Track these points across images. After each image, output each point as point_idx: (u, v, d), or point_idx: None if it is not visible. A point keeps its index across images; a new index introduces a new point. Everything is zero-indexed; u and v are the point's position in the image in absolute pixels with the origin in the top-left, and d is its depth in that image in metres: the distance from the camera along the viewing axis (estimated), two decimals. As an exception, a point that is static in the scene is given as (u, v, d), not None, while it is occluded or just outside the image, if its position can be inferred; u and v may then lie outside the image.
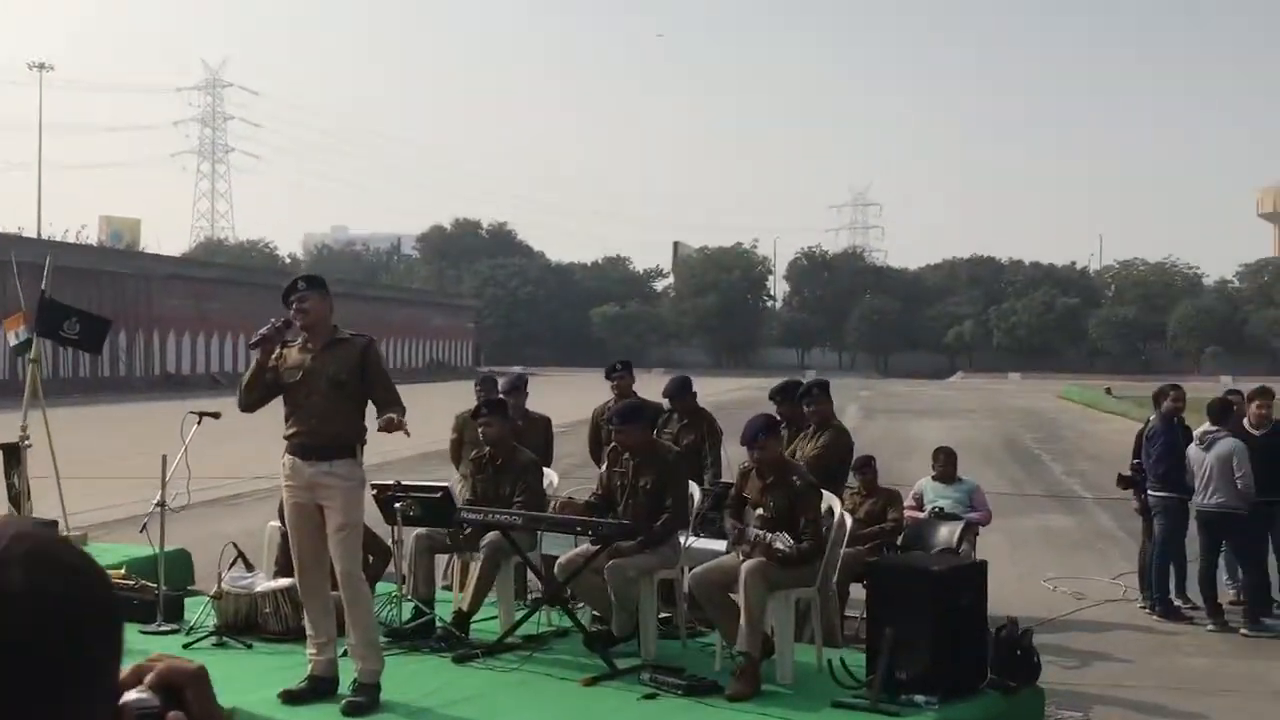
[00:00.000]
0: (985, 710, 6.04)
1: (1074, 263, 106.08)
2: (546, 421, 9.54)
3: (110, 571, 7.64)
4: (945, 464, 10.06)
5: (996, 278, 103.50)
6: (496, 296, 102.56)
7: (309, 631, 6.16)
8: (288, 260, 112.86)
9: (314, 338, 6.17)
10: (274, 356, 6.18)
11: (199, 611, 7.41)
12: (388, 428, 6.01)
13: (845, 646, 7.58)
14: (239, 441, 13.21)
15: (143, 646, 7.06)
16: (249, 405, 6.22)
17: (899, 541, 9.00)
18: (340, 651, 6.21)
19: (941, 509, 9.73)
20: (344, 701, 5.83)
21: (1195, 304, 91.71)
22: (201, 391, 52.84)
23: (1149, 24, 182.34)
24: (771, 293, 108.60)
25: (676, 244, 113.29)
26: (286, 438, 6.12)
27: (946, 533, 9.13)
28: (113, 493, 15.68)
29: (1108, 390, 52.85)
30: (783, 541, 6.47)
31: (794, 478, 6.74)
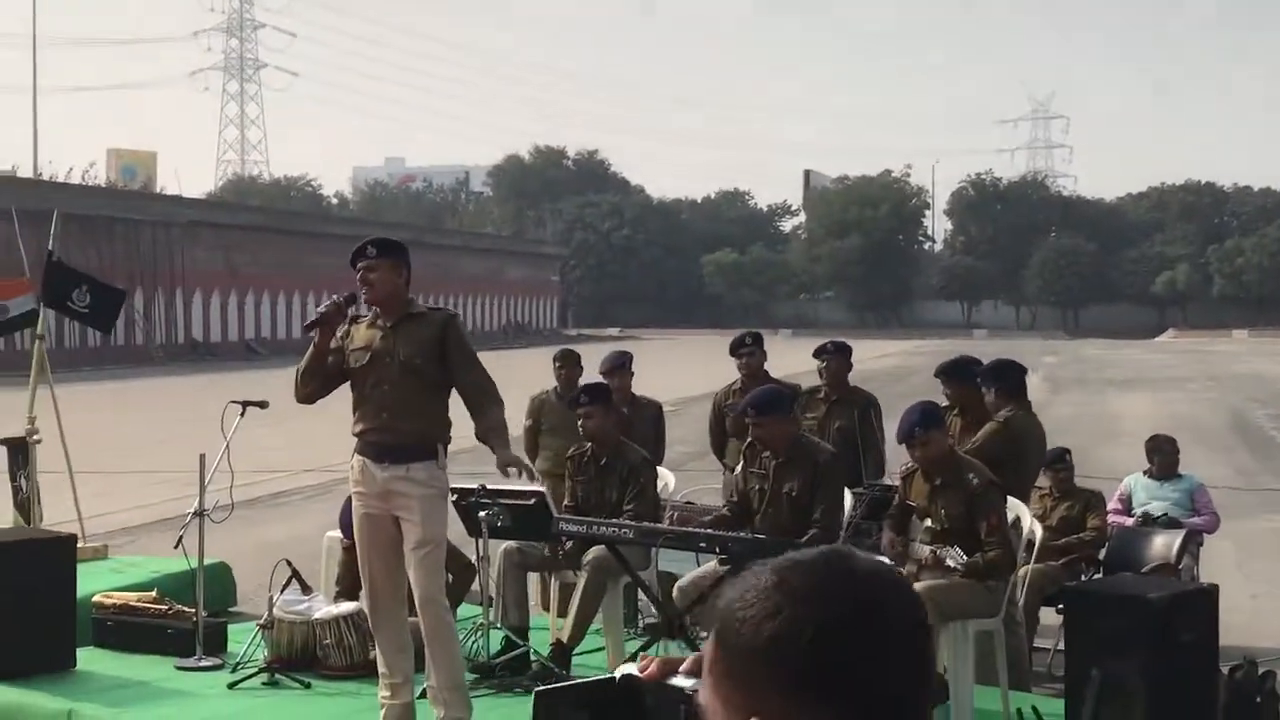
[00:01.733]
0: (1218, 773, 5.99)
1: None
2: (657, 409, 9.63)
3: (140, 594, 7.94)
4: (1165, 457, 9.94)
5: (1218, 209, 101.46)
6: (586, 242, 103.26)
7: (381, 669, 6.32)
8: (334, 201, 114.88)
9: (386, 313, 6.29)
10: (340, 335, 6.32)
11: (246, 642, 7.62)
12: (504, 469, 6.44)
13: (1035, 689, 7.58)
14: (283, 423, 13.46)
15: (180, 686, 7.32)
16: (307, 396, 6.38)
17: (1101, 555, 8.94)
18: (418, 693, 6.36)
19: (1156, 515, 9.63)
20: (426, 756, 5.98)
21: None
22: (235, 362, 54.09)
23: None
24: (929, 232, 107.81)
25: (808, 173, 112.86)
26: (356, 435, 6.27)
27: (1163, 544, 9.01)
28: (134, 491, 16.21)
29: (1363, 351, 51.69)
30: (954, 558, 6.48)
31: (970, 476, 6.73)
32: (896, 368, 43.47)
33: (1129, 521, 9.65)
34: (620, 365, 9.46)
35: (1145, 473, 10.18)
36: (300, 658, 7.52)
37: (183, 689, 7.26)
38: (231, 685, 7.28)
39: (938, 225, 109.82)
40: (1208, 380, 41.84)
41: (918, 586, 6.48)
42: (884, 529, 7.13)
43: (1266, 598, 11.09)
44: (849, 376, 9.14)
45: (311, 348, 6.31)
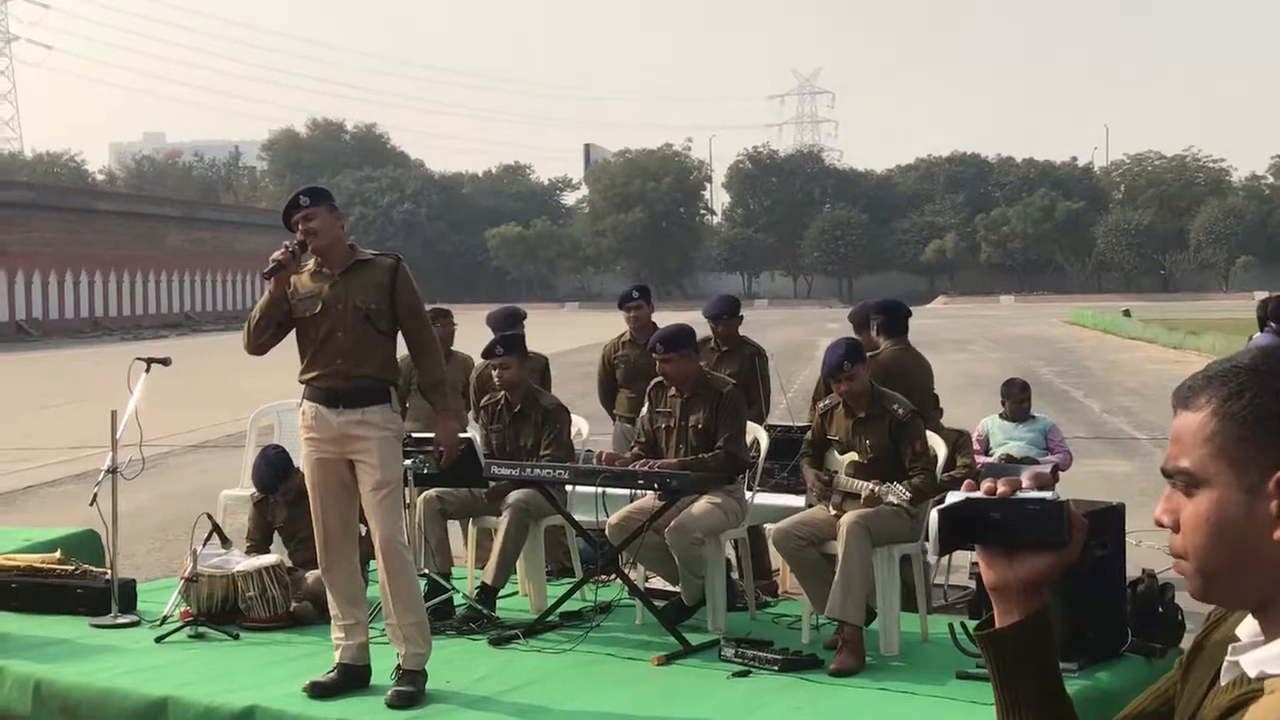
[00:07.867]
0: (1129, 678, 6.42)
1: (1075, 159, 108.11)
2: (544, 361, 9.76)
3: (44, 556, 7.82)
4: (1019, 399, 10.47)
5: (983, 179, 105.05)
6: (367, 217, 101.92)
7: (334, 612, 6.38)
8: (101, 176, 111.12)
9: (330, 261, 6.35)
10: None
11: (171, 599, 7.58)
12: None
13: (933, 612, 7.98)
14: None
15: (106, 642, 7.25)
16: (260, 346, 6.38)
17: (970, 492, 9.40)
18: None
19: (1015, 455, 10.15)
20: (389, 692, 6.07)
21: (1222, 206, 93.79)
22: (5, 343, 52.09)
23: None
24: (710, 205, 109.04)
25: (589, 147, 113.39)
26: (306, 382, 6.31)
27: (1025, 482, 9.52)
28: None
29: (1125, 312, 54.29)
30: (897, 495, 6.77)
31: (895, 407, 7.04)
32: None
33: (991, 460, 10.17)
34: (518, 318, 9.61)
35: (1000, 415, 10.74)
36: (221, 611, 7.51)
37: (110, 644, 7.19)
38: (159, 639, 7.24)
39: (717, 198, 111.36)
40: (988, 342, 43.48)
41: (849, 516, 6.80)
42: (804, 466, 7.40)
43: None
44: (739, 328, 9.39)
45: (266, 295, 6.33)
